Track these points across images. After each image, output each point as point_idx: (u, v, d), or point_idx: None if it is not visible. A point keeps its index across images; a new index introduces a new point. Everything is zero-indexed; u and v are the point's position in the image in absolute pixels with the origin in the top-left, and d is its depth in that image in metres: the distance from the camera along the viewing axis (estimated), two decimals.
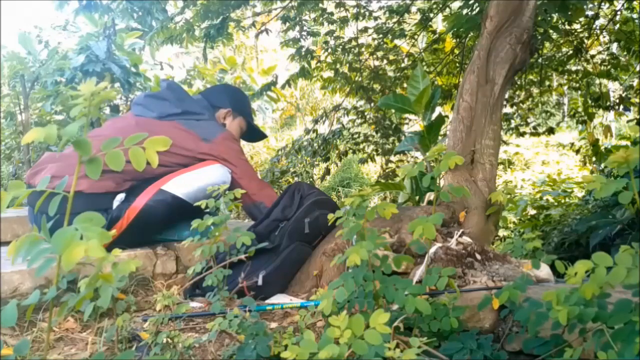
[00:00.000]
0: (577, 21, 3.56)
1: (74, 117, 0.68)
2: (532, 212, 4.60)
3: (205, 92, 2.10)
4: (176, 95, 1.91)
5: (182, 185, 1.71)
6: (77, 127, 0.67)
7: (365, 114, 4.16)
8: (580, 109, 4.30)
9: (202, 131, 1.83)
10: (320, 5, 3.56)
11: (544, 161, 8.09)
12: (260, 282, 1.53)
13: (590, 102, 4.07)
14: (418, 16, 3.83)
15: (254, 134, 2.21)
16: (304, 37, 3.64)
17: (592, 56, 3.96)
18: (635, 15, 3.62)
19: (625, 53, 3.75)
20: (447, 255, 1.40)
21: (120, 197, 1.68)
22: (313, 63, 3.86)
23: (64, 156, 1.70)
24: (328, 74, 4.13)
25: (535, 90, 4.33)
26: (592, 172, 5.23)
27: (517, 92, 4.26)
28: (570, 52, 3.75)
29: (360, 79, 3.95)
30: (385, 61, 4.07)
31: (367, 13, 3.72)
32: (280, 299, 1.53)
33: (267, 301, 1.51)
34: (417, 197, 2.19)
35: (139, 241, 1.71)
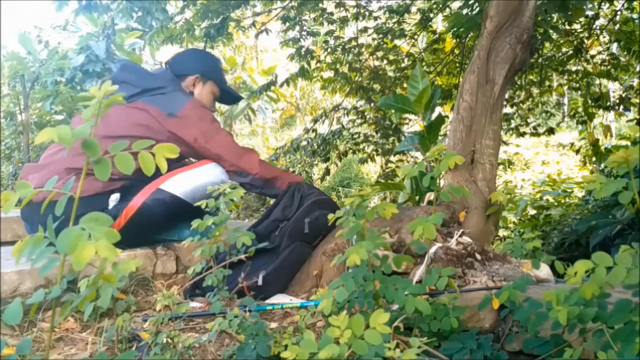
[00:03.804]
0: (577, 21, 3.56)
1: (86, 118, 0.69)
2: (532, 212, 4.61)
3: (170, 61, 2.01)
4: (132, 75, 1.83)
5: (179, 184, 1.71)
6: (87, 128, 0.68)
7: (365, 114, 4.17)
8: (580, 109, 4.30)
9: (166, 106, 1.75)
10: (320, 5, 3.56)
11: (544, 161, 8.10)
12: (260, 282, 1.53)
13: (590, 102, 4.07)
14: (418, 16, 3.83)
15: (229, 97, 2.14)
16: (304, 37, 3.65)
17: (592, 56, 3.96)
18: (635, 15, 3.62)
19: (625, 53, 3.75)
20: (447, 255, 1.40)
21: (116, 196, 1.67)
22: (313, 63, 3.86)
23: (42, 166, 1.69)
24: (328, 74, 4.13)
25: (535, 90, 4.33)
26: (592, 172, 5.23)
27: (517, 92, 4.27)
28: (570, 52, 3.75)
29: (360, 79, 3.95)
30: (385, 61, 4.07)
31: (367, 13, 3.72)
32: (280, 299, 1.53)
33: (267, 301, 1.51)
34: (417, 197, 2.19)
35: (137, 241, 1.71)
